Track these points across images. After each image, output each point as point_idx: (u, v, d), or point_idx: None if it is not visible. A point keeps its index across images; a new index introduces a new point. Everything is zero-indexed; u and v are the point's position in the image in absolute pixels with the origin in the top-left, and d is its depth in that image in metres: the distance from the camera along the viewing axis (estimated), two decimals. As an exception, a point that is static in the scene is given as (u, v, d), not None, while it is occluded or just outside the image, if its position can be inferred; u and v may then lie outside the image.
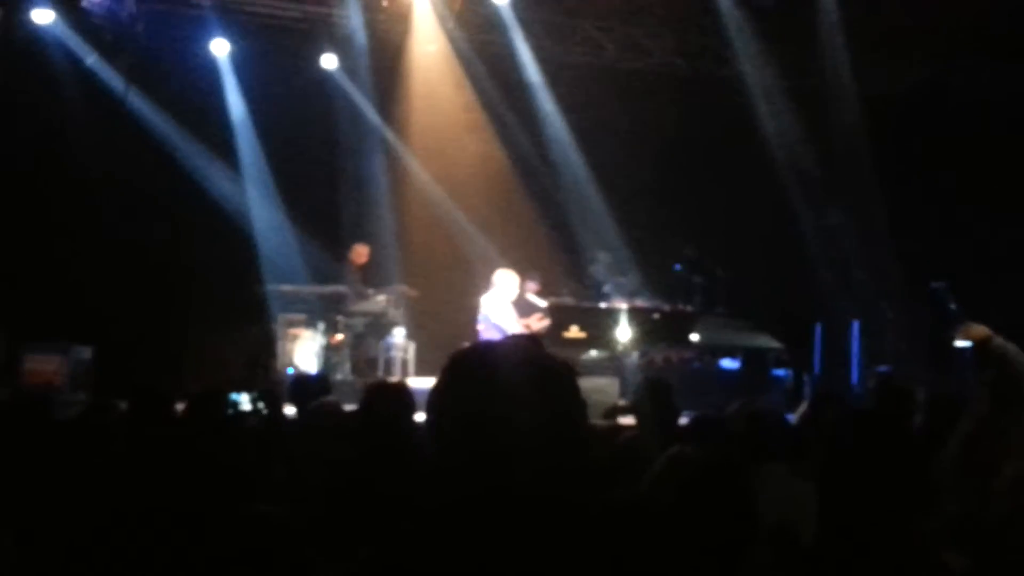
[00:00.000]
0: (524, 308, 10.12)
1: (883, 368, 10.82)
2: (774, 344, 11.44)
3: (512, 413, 1.44)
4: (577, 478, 1.48)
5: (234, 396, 3.86)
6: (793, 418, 5.24)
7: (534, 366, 1.51)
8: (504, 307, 9.77)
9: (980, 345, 6.83)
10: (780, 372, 11.26)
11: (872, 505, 2.11)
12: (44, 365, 9.66)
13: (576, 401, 1.52)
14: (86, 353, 9.97)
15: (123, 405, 5.07)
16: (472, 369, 1.51)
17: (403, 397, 3.80)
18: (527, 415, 1.44)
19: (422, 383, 8.03)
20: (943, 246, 11.01)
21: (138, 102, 11.27)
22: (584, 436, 1.55)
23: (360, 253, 11.23)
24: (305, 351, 10.73)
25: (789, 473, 3.36)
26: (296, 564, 2.26)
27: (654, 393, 5.15)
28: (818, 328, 12.13)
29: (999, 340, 6.82)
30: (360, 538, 2.82)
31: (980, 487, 3.28)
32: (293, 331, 10.80)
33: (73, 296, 10.21)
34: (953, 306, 9.39)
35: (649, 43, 12.53)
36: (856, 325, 11.81)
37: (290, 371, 10.42)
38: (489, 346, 1.60)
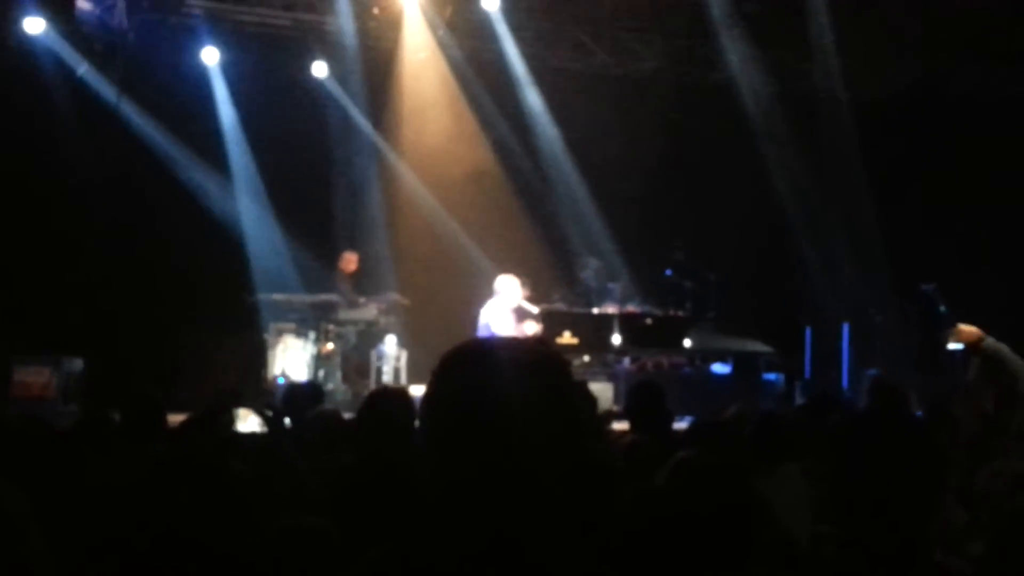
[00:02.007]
0: (517, 314, 10.14)
1: (873, 371, 10.87)
2: (765, 348, 11.49)
3: (507, 396, 1.41)
4: (585, 471, 1.46)
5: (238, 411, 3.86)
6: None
7: (529, 355, 1.47)
8: (504, 314, 9.80)
9: (972, 346, 6.88)
10: (771, 376, 11.30)
11: (886, 507, 2.12)
12: (34, 377, 9.60)
13: (573, 389, 1.49)
14: (77, 365, 9.91)
15: (116, 416, 5.06)
16: (465, 361, 1.48)
17: (406, 403, 3.80)
18: (522, 398, 1.41)
19: (416, 391, 8.02)
20: (932, 248, 11.08)
21: (129, 111, 11.22)
22: (590, 425, 1.52)
23: (349, 261, 11.22)
24: (296, 360, 10.70)
25: (801, 474, 3.38)
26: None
27: (646, 397, 5.17)
28: (808, 332, 12.18)
29: (991, 340, 6.87)
30: (366, 545, 2.81)
31: (982, 487, 3.30)
32: (284, 340, 10.76)
33: (63, 307, 10.16)
34: (943, 308, 9.45)
35: (639, 48, 12.56)
36: (846, 328, 11.86)
37: (281, 380, 10.40)
38: (479, 340, 1.58)
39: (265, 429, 4.02)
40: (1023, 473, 3.40)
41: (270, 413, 3.94)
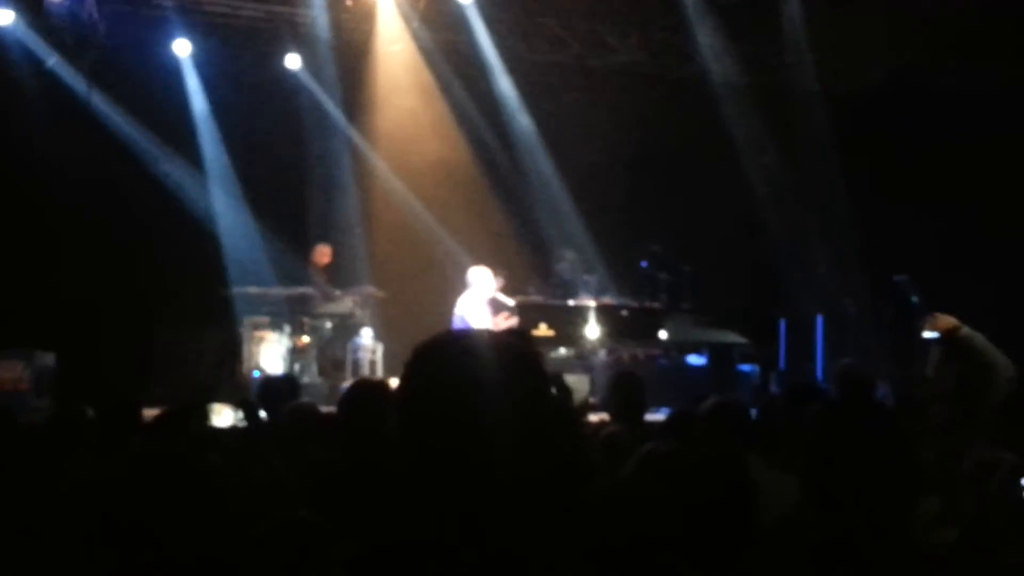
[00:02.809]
0: (492, 306, 10.14)
1: (846, 360, 10.94)
2: (740, 340, 11.54)
3: (482, 393, 1.42)
4: (558, 462, 1.47)
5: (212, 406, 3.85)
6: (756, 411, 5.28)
7: (501, 348, 1.48)
8: (479, 307, 9.79)
9: (948, 335, 6.95)
10: (746, 367, 11.36)
11: (864, 494, 2.14)
12: (7, 371, 9.50)
13: (545, 380, 1.50)
14: (50, 358, 9.82)
15: (90, 411, 5.03)
16: (437, 353, 1.49)
17: (385, 395, 3.79)
18: (495, 388, 1.42)
19: (395, 383, 8.00)
20: (905, 241, 11.18)
21: (101, 103, 11.12)
22: (567, 416, 1.53)
23: (323, 253, 11.16)
24: (271, 354, 10.64)
25: (765, 465, 3.39)
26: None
27: (626, 388, 5.18)
28: (782, 323, 12.26)
29: (967, 330, 6.95)
30: (343, 537, 2.81)
31: (956, 473, 3.34)
32: (259, 333, 10.69)
33: (36, 301, 10.06)
34: (916, 299, 9.53)
35: (614, 40, 12.57)
36: (820, 320, 11.94)
37: (256, 374, 10.34)
38: (450, 332, 1.59)
39: (243, 423, 4.01)
40: (1006, 461, 3.44)
41: (246, 409, 3.92)
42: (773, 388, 10.75)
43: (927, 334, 7.34)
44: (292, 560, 2.23)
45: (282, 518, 2.37)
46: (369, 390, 3.89)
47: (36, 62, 10.85)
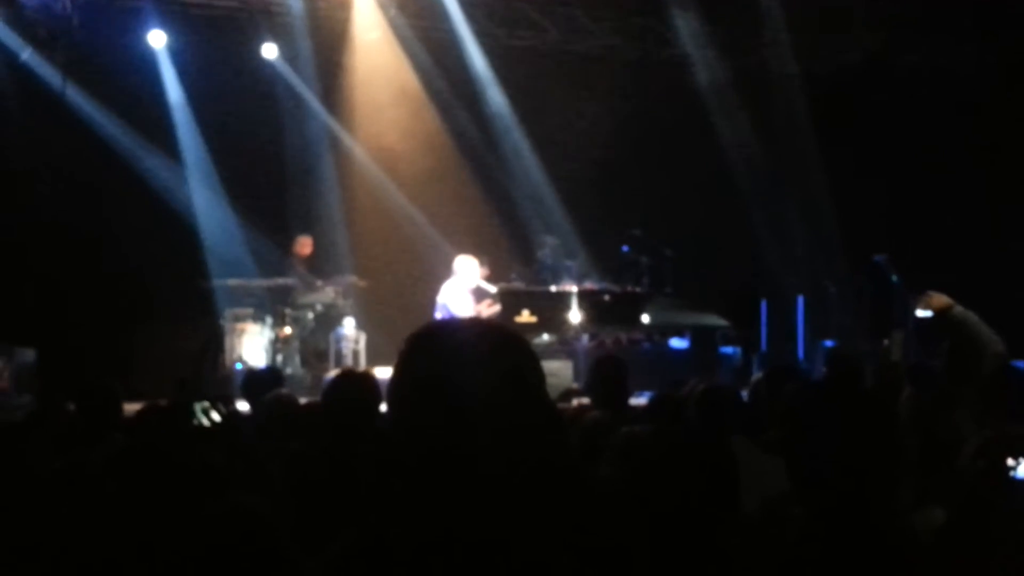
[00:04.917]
0: (475, 294, 10.14)
1: (829, 342, 11.02)
2: (721, 322, 11.58)
3: (472, 380, 1.43)
4: (546, 448, 1.47)
5: (196, 405, 3.83)
6: (745, 394, 5.31)
7: (490, 333, 1.49)
8: (463, 295, 9.79)
9: (941, 314, 6.99)
10: (728, 350, 11.41)
11: (844, 474, 2.15)
12: (-13, 370, 9.43)
13: (533, 365, 1.50)
14: (29, 355, 9.74)
15: (70, 406, 5.00)
16: (429, 344, 1.49)
17: (370, 386, 3.78)
18: (487, 381, 1.43)
19: (380, 373, 7.99)
20: (884, 220, 11.25)
21: (76, 97, 10.99)
22: (547, 401, 1.53)
23: (304, 244, 11.14)
24: (253, 346, 10.60)
25: (753, 446, 3.41)
26: (276, 554, 2.21)
27: (609, 372, 5.18)
28: (763, 305, 12.32)
29: (960, 308, 7.00)
30: (331, 529, 2.81)
31: (944, 452, 3.36)
32: (240, 326, 10.65)
33: (13, 297, 9.98)
34: (896, 278, 9.59)
35: (591, 25, 12.55)
36: (801, 300, 12.01)
37: (239, 366, 10.31)
38: (444, 322, 1.60)
39: (218, 419, 3.99)
40: (994, 438, 3.44)
41: (222, 408, 3.90)
42: (755, 370, 10.79)
43: (920, 312, 7.36)
44: (236, 546, 2.20)
45: (229, 504, 2.33)
46: (354, 382, 3.88)
47: (9, 56, 10.73)
